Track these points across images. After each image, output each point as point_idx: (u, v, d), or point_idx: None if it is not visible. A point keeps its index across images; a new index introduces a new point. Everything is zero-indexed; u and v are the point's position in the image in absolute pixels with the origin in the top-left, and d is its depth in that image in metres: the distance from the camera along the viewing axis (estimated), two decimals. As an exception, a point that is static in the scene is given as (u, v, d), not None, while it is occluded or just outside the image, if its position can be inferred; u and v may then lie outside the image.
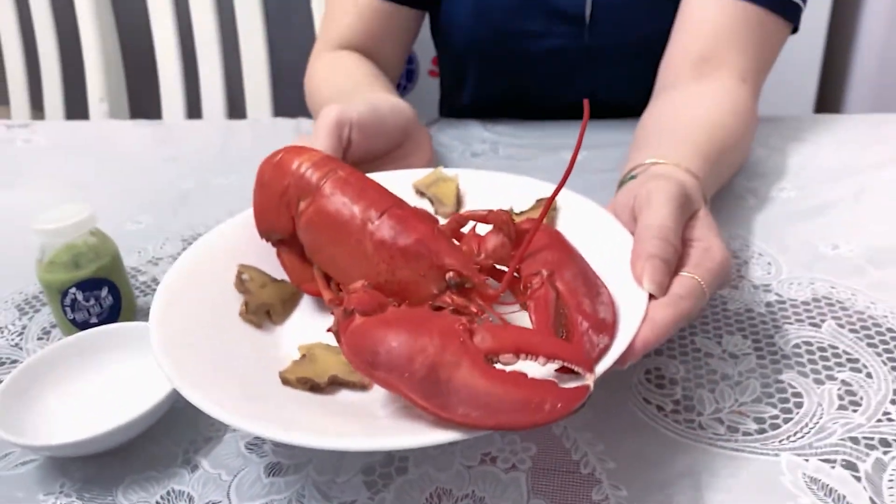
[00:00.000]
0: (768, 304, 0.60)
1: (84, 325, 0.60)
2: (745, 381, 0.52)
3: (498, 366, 0.41)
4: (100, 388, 0.55)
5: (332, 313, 0.52)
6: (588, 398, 0.39)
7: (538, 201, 0.60)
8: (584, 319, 0.45)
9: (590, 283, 0.48)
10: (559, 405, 0.38)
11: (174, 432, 0.52)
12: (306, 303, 0.58)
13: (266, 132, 1.09)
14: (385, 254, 0.50)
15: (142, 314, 0.64)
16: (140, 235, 0.78)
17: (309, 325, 0.55)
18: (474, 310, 0.48)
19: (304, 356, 0.51)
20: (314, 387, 0.48)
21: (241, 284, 0.56)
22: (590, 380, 0.40)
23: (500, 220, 0.52)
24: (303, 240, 0.55)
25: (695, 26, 0.77)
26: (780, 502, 0.44)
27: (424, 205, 0.63)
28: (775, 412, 0.49)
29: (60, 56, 1.48)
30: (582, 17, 0.90)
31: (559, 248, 0.51)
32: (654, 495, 0.45)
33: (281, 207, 0.55)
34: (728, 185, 0.76)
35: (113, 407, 0.51)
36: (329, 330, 0.47)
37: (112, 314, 0.61)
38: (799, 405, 0.50)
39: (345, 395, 0.49)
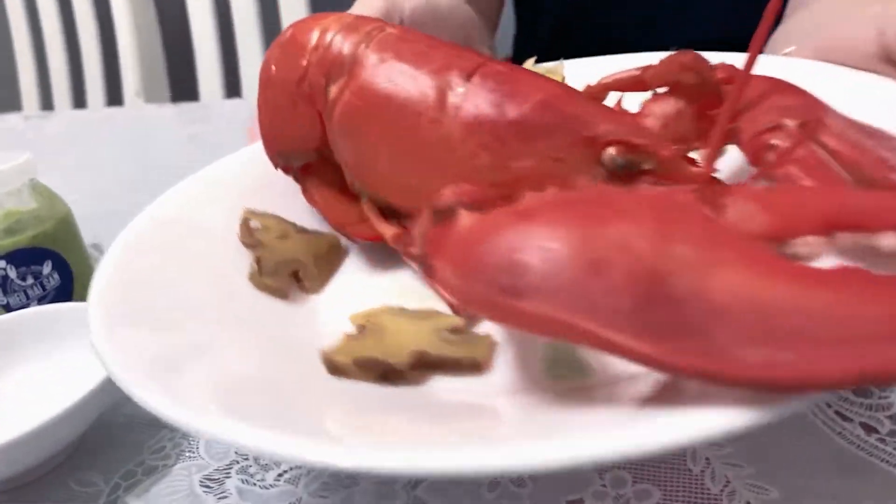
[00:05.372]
0: None
1: (23, 314, 0.42)
2: None
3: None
4: (10, 398, 0.38)
5: (406, 252, 0.31)
6: None
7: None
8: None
9: (868, 130, 0.26)
10: None
11: (105, 458, 0.35)
12: (355, 260, 0.36)
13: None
14: (486, 135, 0.28)
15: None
16: (131, 215, 0.65)
17: (363, 290, 0.33)
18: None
19: (362, 327, 0.29)
20: (387, 373, 0.26)
21: (248, 235, 0.34)
22: None
23: (674, 68, 0.30)
24: (339, 150, 0.34)
25: None
26: None
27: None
28: None
29: (102, 56, 1.35)
30: None
31: (792, 91, 0.29)
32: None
33: (299, 104, 0.34)
34: None
35: (19, 425, 0.31)
36: (409, 256, 0.25)
37: (60, 299, 0.43)
38: None
39: (442, 386, 0.27)
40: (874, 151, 0.24)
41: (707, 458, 0.28)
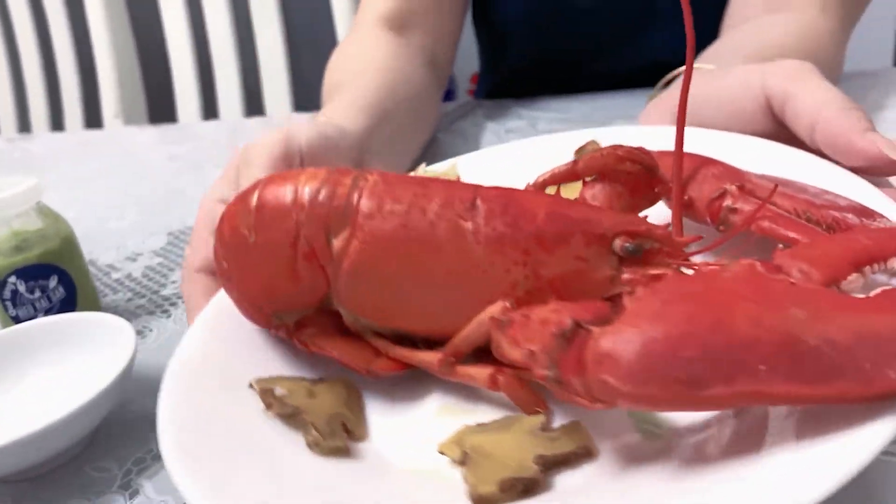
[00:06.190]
0: None
1: (31, 325, 0.47)
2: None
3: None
4: (29, 397, 0.43)
5: (452, 374, 0.33)
6: None
7: (578, 151, 0.46)
8: (846, 214, 0.32)
9: (791, 183, 0.35)
10: None
11: (118, 448, 0.40)
12: (373, 397, 0.36)
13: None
14: (512, 252, 0.32)
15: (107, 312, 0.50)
16: (121, 232, 0.70)
17: (405, 422, 0.34)
18: (670, 273, 0.33)
19: (465, 455, 0.30)
20: (529, 486, 0.28)
21: (280, 405, 0.33)
22: None
23: (612, 159, 0.37)
24: (347, 296, 0.34)
25: None
26: None
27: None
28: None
29: (80, 78, 1.37)
30: None
31: (711, 162, 0.37)
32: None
33: (298, 264, 0.34)
34: None
35: (39, 419, 0.36)
36: (539, 377, 0.28)
37: (65, 310, 0.49)
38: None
39: (567, 481, 0.30)
40: (802, 198, 0.33)
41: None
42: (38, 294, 0.48)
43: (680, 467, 0.27)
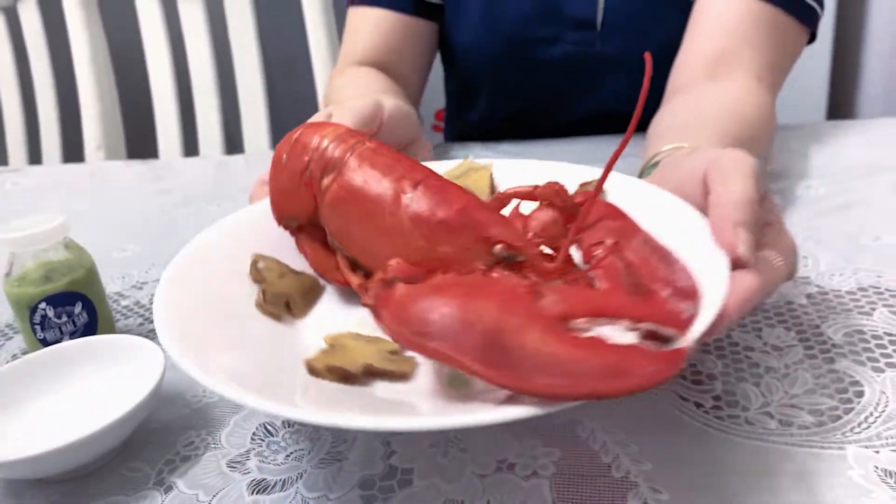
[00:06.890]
0: (809, 296, 0.54)
1: (56, 346, 0.52)
2: (794, 373, 0.46)
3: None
4: (68, 407, 0.48)
5: (363, 301, 0.45)
6: (685, 363, 0.32)
7: (582, 185, 0.54)
8: (663, 286, 0.38)
9: (661, 252, 0.41)
10: (655, 369, 0.31)
11: (148, 452, 0.45)
12: (329, 296, 0.50)
13: (261, 164, 1.08)
14: (424, 228, 0.43)
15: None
16: (125, 262, 0.74)
17: (333, 319, 0.47)
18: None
19: (331, 346, 0.43)
20: (346, 376, 0.40)
21: (256, 273, 0.48)
22: (685, 342, 0.33)
23: (551, 192, 0.46)
24: (326, 221, 0.48)
25: (708, 26, 0.73)
26: (854, 499, 0.37)
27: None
28: (833, 403, 0.43)
29: (59, 110, 1.45)
30: (593, 22, 0.86)
31: (619, 217, 0.44)
32: (701, 498, 0.38)
33: (301, 187, 0.49)
34: None
35: (82, 426, 0.42)
36: (364, 304, 0.40)
37: (87, 333, 0.54)
38: (860, 394, 0.44)
39: (381, 387, 0.41)
40: (652, 265, 0.40)
41: (592, 428, 0.42)
42: (64, 319, 0.53)
43: (449, 402, 0.38)
